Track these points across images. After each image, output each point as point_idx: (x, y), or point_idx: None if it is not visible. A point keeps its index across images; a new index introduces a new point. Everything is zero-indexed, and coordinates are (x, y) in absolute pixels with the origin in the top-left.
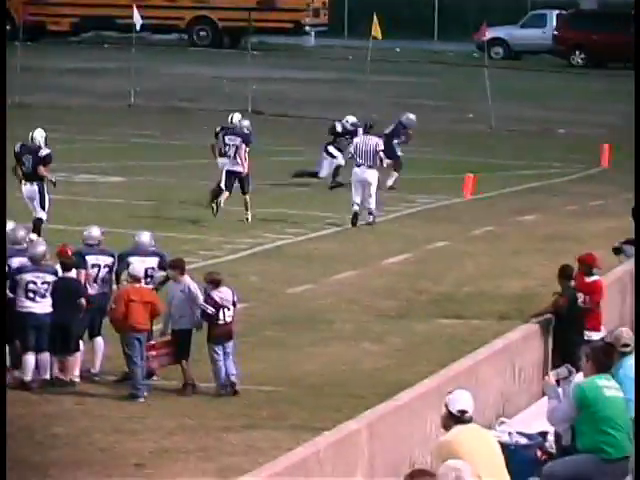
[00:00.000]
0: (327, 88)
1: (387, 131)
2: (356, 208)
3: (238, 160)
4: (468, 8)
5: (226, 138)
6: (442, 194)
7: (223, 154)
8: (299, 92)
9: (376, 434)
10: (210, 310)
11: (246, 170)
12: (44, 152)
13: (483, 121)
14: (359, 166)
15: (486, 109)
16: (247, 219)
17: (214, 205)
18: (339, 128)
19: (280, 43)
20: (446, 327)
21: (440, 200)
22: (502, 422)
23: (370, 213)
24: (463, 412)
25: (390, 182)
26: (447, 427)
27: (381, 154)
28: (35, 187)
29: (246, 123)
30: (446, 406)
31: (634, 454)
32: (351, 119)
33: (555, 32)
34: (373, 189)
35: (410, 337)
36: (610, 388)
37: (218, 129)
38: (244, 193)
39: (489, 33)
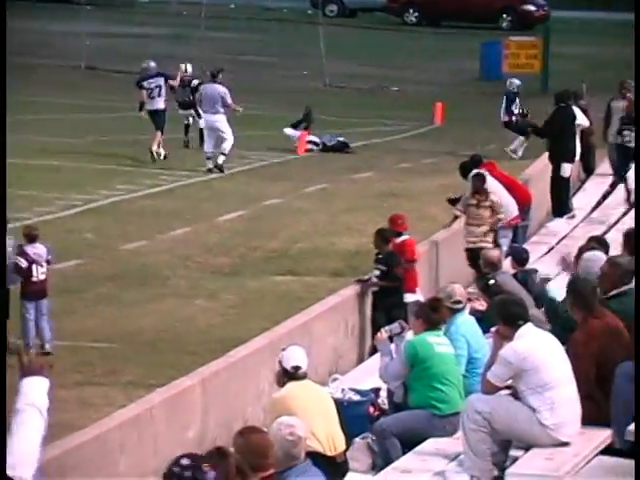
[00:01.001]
0: (161, 43)
1: (505, 109)
2: (209, 155)
3: (161, 98)
4: None
5: (145, 83)
6: (276, 151)
7: (153, 97)
8: (133, 47)
9: (209, 390)
10: (23, 264)
11: (164, 106)
12: None
13: (317, 78)
14: (205, 112)
15: (320, 66)
16: (160, 155)
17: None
18: None
19: None
20: (280, 284)
21: (274, 157)
22: (335, 378)
23: (222, 153)
24: (297, 368)
25: (520, 152)
26: (281, 383)
27: (231, 105)
28: None
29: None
30: (280, 363)
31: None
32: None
33: None
34: (225, 134)
35: (244, 294)
36: (441, 344)
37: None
38: (158, 128)
39: None
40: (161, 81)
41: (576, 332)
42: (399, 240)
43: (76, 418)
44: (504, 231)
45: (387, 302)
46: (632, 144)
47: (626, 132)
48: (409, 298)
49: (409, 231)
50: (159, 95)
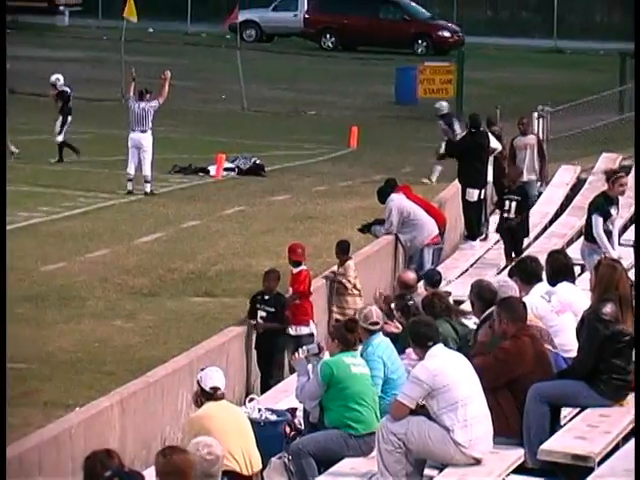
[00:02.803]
0: (81, 67)
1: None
2: (131, 176)
3: None
4: None
5: None
6: (194, 174)
7: None
8: (54, 71)
9: (127, 410)
10: None
11: None
12: None
13: (235, 102)
14: (134, 131)
15: (238, 90)
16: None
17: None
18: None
19: (34, 22)
20: (197, 305)
21: (193, 179)
22: (252, 398)
23: (147, 181)
24: (215, 389)
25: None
26: (199, 403)
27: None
28: None
29: None
30: (198, 383)
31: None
32: None
33: (306, 15)
34: (148, 155)
35: (162, 314)
36: (357, 365)
37: None
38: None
39: (241, 16)
40: None
41: (506, 342)
42: (296, 270)
43: None
44: (428, 249)
45: (270, 344)
46: (514, 222)
47: (507, 203)
48: (303, 330)
49: (327, 255)
50: None
